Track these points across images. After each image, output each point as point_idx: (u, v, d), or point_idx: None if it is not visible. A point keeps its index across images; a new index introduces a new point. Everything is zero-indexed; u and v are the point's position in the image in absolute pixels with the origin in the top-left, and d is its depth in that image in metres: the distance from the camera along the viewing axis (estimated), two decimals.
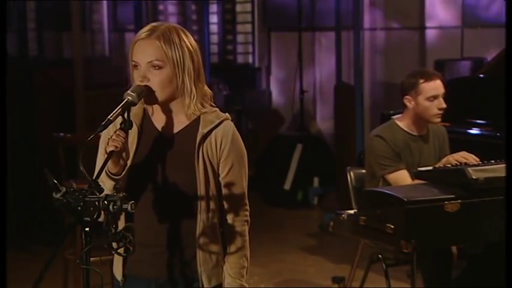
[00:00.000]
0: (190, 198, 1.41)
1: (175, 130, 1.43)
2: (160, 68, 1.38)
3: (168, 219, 1.42)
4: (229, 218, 1.45)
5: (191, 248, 1.42)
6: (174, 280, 1.43)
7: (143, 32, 1.40)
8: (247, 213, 1.46)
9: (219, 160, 1.42)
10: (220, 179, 1.43)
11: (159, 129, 1.44)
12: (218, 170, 1.42)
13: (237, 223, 1.44)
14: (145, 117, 1.44)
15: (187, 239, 1.42)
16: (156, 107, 1.43)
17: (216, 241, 1.43)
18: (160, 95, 1.39)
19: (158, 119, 1.44)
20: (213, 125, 1.42)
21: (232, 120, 1.46)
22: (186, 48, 1.39)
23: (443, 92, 2.38)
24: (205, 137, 1.41)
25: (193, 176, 1.40)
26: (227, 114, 1.46)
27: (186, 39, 1.40)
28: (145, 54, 1.38)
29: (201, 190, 1.40)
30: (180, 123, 1.43)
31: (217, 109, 1.45)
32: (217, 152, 1.42)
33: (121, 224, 1.36)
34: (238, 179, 1.43)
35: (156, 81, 1.38)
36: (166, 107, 1.42)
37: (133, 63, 1.40)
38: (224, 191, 1.43)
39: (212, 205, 1.42)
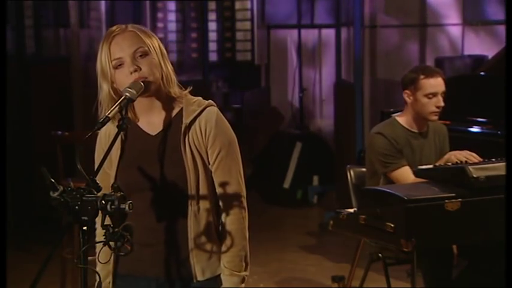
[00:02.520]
0: (182, 191, 1.39)
1: (161, 128, 1.43)
2: (146, 54, 1.38)
3: (164, 217, 1.41)
4: (224, 205, 1.42)
5: (188, 244, 1.41)
6: (175, 278, 1.42)
7: (114, 29, 1.40)
8: (243, 199, 1.43)
9: (207, 147, 1.40)
10: (210, 167, 1.41)
11: (145, 130, 1.43)
12: (207, 158, 1.40)
13: (232, 211, 1.41)
14: (129, 125, 1.41)
15: (183, 234, 1.40)
16: (140, 111, 1.42)
17: (209, 232, 1.41)
18: (153, 82, 1.38)
19: (144, 123, 1.44)
20: (195, 114, 1.41)
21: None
22: (156, 38, 1.42)
23: (443, 90, 2.37)
24: (189, 127, 1.40)
25: (183, 169, 1.38)
26: (210, 101, 1.44)
27: (150, 31, 1.43)
28: (127, 46, 1.38)
29: (191, 182, 1.38)
30: (164, 120, 1.43)
31: (199, 98, 1.44)
32: (203, 139, 1.40)
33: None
34: (229, 164, 1.40)
35: (146, 67, 1.38)
36: (151, 107, 1.42)
37: (115, 62, 1.38)
38: (216, 179, 1.41)
39: (204, 196, 1.39)
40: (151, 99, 1.41)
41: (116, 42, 1.38)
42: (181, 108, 1.42)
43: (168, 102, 1.42)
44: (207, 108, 1.42)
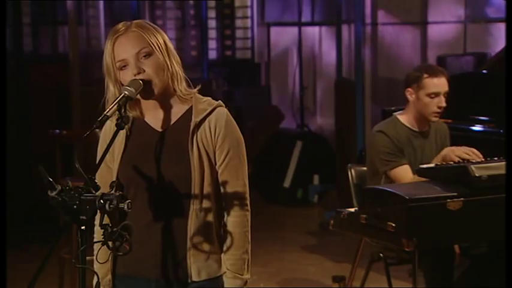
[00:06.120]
0: (185, 190, 1.37)
1: (168, 124, 1.42)
2: (150, 54, 1.37)
3: (164, 215, 1.39)
4: (229, 207, 1.41)
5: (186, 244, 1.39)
6: (173, 279, 1.40)
7: (119, 28, 1.38)
8: (247, 202, 1.42)
9: (215, 147, 1.40)
10: (217, 167, 1.40)
11: (152, 126, 1.42)
12: (214, 158, 1.40)
13: (237, 213, 1.40)
14: (135, 120, 1.42)
15: (183, 234, 1.39)
16: (147, 108, 1.41)
17: (209, 233, 1.39)
18: (158, 83, 1.37)
19: (151, 118, 1.43)
20: (206, 113, 1.40)
21: (229, 111, 1.44)
22: (162, 34, 1.40)
23: (446, 90, 2.35)
24: (198, 125, 1.39)
25: (188, 167, 1.37)
26: (220, 101, 1.44)
27: (156, 27, 1.41)
28: (131, 47, 1.36)
29: (195, 181, 1.37)
30: (172, 117, 1.42)
31: (209, 98, 1.44)
32: (212, 139, 1.39)
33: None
34: (237, 165, 1.40)
35: (150, 68, 1.37)
36: (158, 104, 1.41)
37: (119, 63, 1.37)
38: (222, 179, 1.40)
39: (207, 195, 1.38)
40: (158, 97, 1.39)
41: (119, 43, 1.36)
42: (191, 107, 1.41)
43: (176, 99, 1.41)
44: (217, 109, 1.41)
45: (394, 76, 4.28)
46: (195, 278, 1.39)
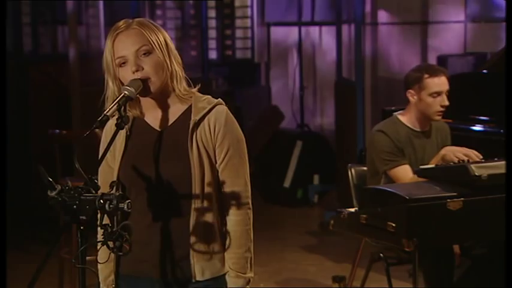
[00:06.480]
0: (186, 189, 1.37)
1: (168, 123, 1.41)
2: (149, 52, 1.36)
3: (165, 215, 1.39)
4: (230, 206, 1.40)
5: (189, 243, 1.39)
6: (176, 278, 1.40)
7: (120, 25, 1.38)
8: (249, 200, 1.42)
9: (215, 145, 1.39)
10: (217, 166, 1.39)
11: (152, 125, 1.42)
12: (214, 157, 1.39)
13: (238, 211, 1.39)
14: (135, 120, 1.42)
15: (185, 233, 1.38)
16: (147, 107, 1.41)
17: (211, 232, 1.39)
18: (156, 82, 1.37)
19: (150, 117, 1.42)
20: (205, 111, 1.39)
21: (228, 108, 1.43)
22: (163, 33, 1.39)
23: (447, 89, 2.35)
24: (198, 124, 1.39)
25: (188, 166, 1.36)
26: (220, 99, 1.43)
27: (158, 26, 1.41)
28: (131, 44, 1.36)
29: (195, 180, 1.36)
30: (172, 116, 1.41)
31: (208, 96, 1.43)
32: (212, 137, 1.39)
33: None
34: (237, 164, 1.39)
35: (149, 67, 1.36)
36: (158, 104, 1.40)
37: (118, 60, 1.36)
38: (223, 178, 1.39)
39: (208, 194, 1.37)
40: (157, 96, 1.39)
41: (119, 39, 1.36)
42: (190, 105, 1.40)
43: (176, 98, 1.41)
44: (217, 107, 1.41)
45: (394, 76, 4.28)
46: (199, 278, 1.38)
